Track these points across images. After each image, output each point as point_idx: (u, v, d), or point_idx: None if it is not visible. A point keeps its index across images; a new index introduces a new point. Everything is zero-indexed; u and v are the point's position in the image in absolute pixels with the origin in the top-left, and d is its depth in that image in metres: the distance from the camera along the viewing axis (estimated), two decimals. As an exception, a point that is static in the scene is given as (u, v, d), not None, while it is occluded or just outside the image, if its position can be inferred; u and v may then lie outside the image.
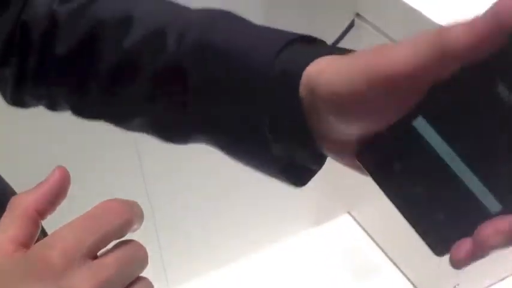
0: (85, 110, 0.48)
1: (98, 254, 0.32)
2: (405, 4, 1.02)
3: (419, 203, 0.32)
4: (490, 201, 0.30)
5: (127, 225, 0.32)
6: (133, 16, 0.43)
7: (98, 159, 1.22)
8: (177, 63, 0.41)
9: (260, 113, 0.39)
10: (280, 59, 0.38)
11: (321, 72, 0.35)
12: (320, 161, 0.42)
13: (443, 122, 0.30)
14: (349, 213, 1.76)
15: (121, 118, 0.47)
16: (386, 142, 0.33)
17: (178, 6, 0.44)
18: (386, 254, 1.64)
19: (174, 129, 0.45)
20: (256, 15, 1.30)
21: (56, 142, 1.09)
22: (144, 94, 0.43)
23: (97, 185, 1.18)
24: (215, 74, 0.40)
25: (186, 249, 1.53)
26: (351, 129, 0.35)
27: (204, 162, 1.48)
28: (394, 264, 1.62)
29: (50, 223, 0.36)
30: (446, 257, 0.31)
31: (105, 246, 0.32)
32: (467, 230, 0.30)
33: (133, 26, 0.43)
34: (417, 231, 0.33)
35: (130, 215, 0.32)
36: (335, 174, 1.61)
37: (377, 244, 1.67)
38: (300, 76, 0.36)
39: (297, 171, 0.42)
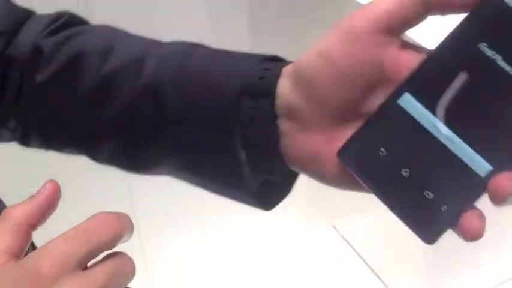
0: (56, 138, 0.49)
1: (88, 264, 0.33)
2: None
3: (407, 187, 0.32)
4: (480, 165, 0.30)
5: (117, 237, 0.33)
6: (114, 46, 0.44)
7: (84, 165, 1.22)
8: (156, 82, 0.42)
9: (234, 128, 0.39)
10: (259, 68, 0.39)
11: (303, 55, 0.36)
12: (290, 181, 0.43)
13: (429, 95, 0.31)
14: (333, 227, 1.77)
15: (92, 142, 0.47)
16: (370, 130, 0.33)
17: (157, 40, 0.46)
18: (370, 267, 1.65)
19: (144, 154, 0.45)
20: (242, 27, 1.31)
21: (45, 157, 1.10)
22: (120, 115, 0.44)
23: (82, 187, 1.18)
24: (193, 92, 0.41)
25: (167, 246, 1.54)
26: (338, 103, 0.35)
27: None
28: (378, 278, 1.63)
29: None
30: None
31: (95, 257, 0.33)
32: (457, 207, 0.30)
33: (113, 54, 0.44)
34: (408, 223, 0.32)
35: (120, 228, 0.33)
36: (319, 188, 1.62)
37: (361, 257, 1.68)
38: (277, 77, 0.37)
39: (267, 195, 0.43)
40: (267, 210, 0.44)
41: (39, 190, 0.36)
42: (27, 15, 0.48)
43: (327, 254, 1.70)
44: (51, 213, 0.36)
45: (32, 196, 0.36)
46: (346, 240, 1.73)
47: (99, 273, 0.32)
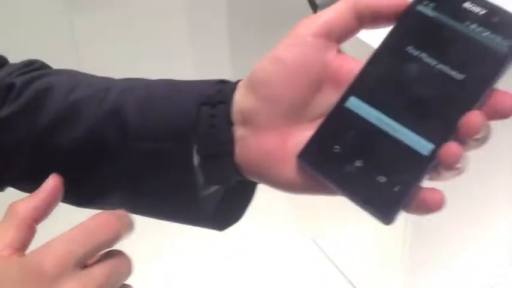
0: (13, 169, 0.49)
1: (87, 262, 0.35)
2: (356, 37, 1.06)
3: (362, 176, 0.36)
4: (422, 145, 0.34)
5: (116, 237, 0.35)
6: (79, 83, 0.47)
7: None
8: (119, 104, 0.44)
9: (193, 137, 0.41)
10: (217, 85, 0.42)
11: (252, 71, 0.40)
12: (246, 200, 0.46)
13: (371, 94, 0.37)
14: (313, 240, 1.78)
15: (43, 175, 0.46)
16: (324, 132, 0.38)
17: (119, 78, 0.49)
18: (349, 280, 1.66)
19: (99, 180, 0.45)
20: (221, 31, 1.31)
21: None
22: (82, 139, 0.45)
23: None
24: (155, 108, 0.43)
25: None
26: (289, 102, 0.39)
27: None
28: (357, 290, 1.64)
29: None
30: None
31: (94, 256, 0.35)
32: (408, 185, 0.34)
33: (78, 88, 0.47)
34: (366, 208, 0.35)
35: (119, 228, 0.35)
36: (299, 202, 1.63)
37: (340, 271, 1.69)
38: (233, 89, 0.41)
39: (222, 215, 0.45)
40: (221, 230, 0.46)
41: (43, 185, 0.38)
42: (3, 61, 0.52)
43: (306, 268, 1.71)
44: (54, 208, 0.38)
45: (37, 192, 0.38)
46: (326, 254, 1.74)
47: (97, 273, 0.34)
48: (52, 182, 0.38)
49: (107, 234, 0.35)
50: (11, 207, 0.37)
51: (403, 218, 1.44)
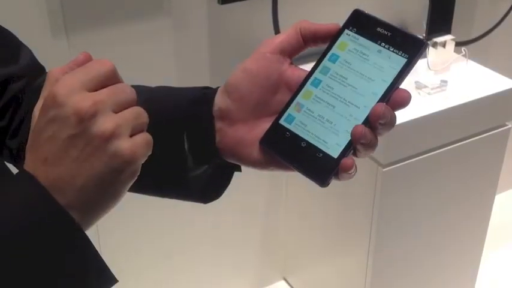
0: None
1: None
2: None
3: (305, 152, 0.47)
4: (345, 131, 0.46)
5: (113, 70, 0.42)
6: None
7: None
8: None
9: (184, 125, 0.52)
10: (203, 90, 0.55)
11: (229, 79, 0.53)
12: (226, 179, 0.56)
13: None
14: (284, 279, 1.82)
15: None
16: (277, 123, 0.49)
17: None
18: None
19: None
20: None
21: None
22: None
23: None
24: (161, 106, 0.54)
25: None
26: (254, 102, 0.50)
27: (153, 224, 1.54)
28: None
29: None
30: None
31: (96, 87, 0.41)
32: (337, 158, 0.46)
33: None
34: (308, 176, 0.47)
35: (113, 65, 0.42)
36: (271, 242, 1.66)
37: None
38: (214, 92, 0.53)
39: (208, 193, 0.55)
40: (205, 203, 0.57)
41: (74, 58, 0.44)
42: (42, 70, 0.65)
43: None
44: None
45: (71, 61, 0.44)
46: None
47: (102, 91, 0.41)
48: (81, 57, 0.44)
49: (104, 67, 0.42)
50: (49, 72, 0.44)
51: (364, 263, 1.51)
